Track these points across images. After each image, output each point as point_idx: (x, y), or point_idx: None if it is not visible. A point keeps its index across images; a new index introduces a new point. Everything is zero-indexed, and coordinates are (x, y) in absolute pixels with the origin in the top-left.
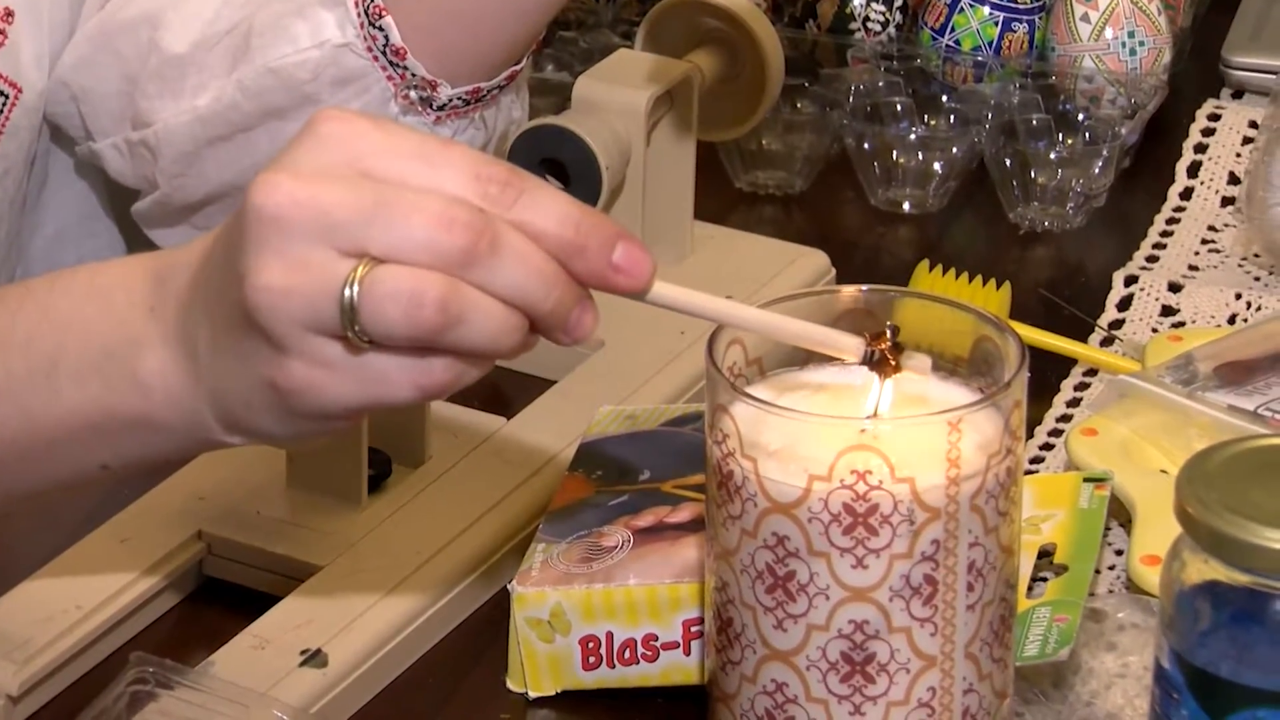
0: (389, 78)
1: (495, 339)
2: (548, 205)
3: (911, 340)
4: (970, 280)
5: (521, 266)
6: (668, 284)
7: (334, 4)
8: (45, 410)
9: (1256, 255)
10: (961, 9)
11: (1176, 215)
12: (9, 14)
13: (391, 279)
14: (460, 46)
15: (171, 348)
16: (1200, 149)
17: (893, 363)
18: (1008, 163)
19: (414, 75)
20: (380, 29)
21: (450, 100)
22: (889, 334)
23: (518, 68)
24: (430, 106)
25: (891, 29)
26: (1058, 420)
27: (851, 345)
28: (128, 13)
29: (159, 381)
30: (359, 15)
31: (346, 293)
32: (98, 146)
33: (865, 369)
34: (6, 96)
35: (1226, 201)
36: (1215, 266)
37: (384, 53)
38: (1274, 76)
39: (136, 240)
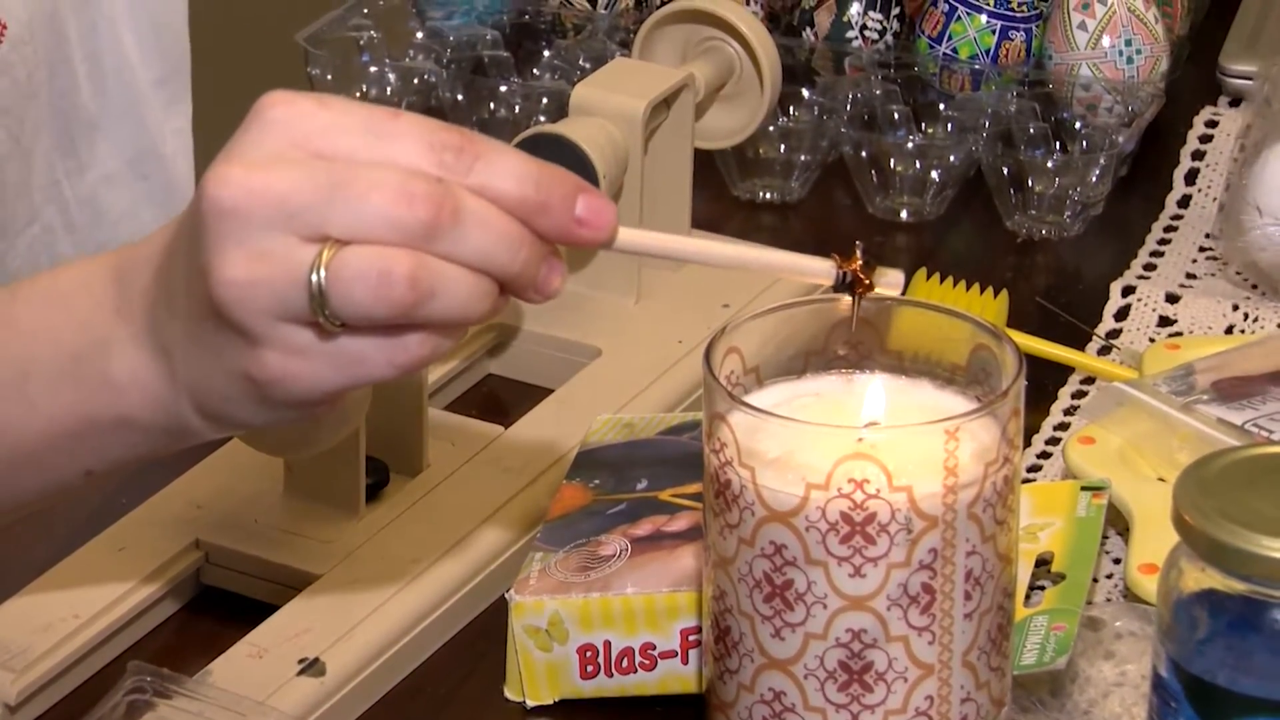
0: None
1: (467, 307)
2: (505, 166)
3: (909, 348)
4: (968, 288)
5: (486, 232)
6: (631, 229)
7: None
8: (22, 422)
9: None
10: (958, 17)
11: (1174, 223)
12: None
13: (357, 260)
14: None
15: (142, 346)
16: (1198, 156)
17: (866, 281)
18: (1005, 171)
19: None
20: None
21: None
22: (859, 253)
23: None
24: None
25: (889, 37)
26: (1055, 428)
27: (822, 268)
28: None
29: (132, 381)
30: None
31: (313, 278)
32: None
33: (862, 373)
34: None
35: (1224, 209)
36: (1213, 274)
37: None
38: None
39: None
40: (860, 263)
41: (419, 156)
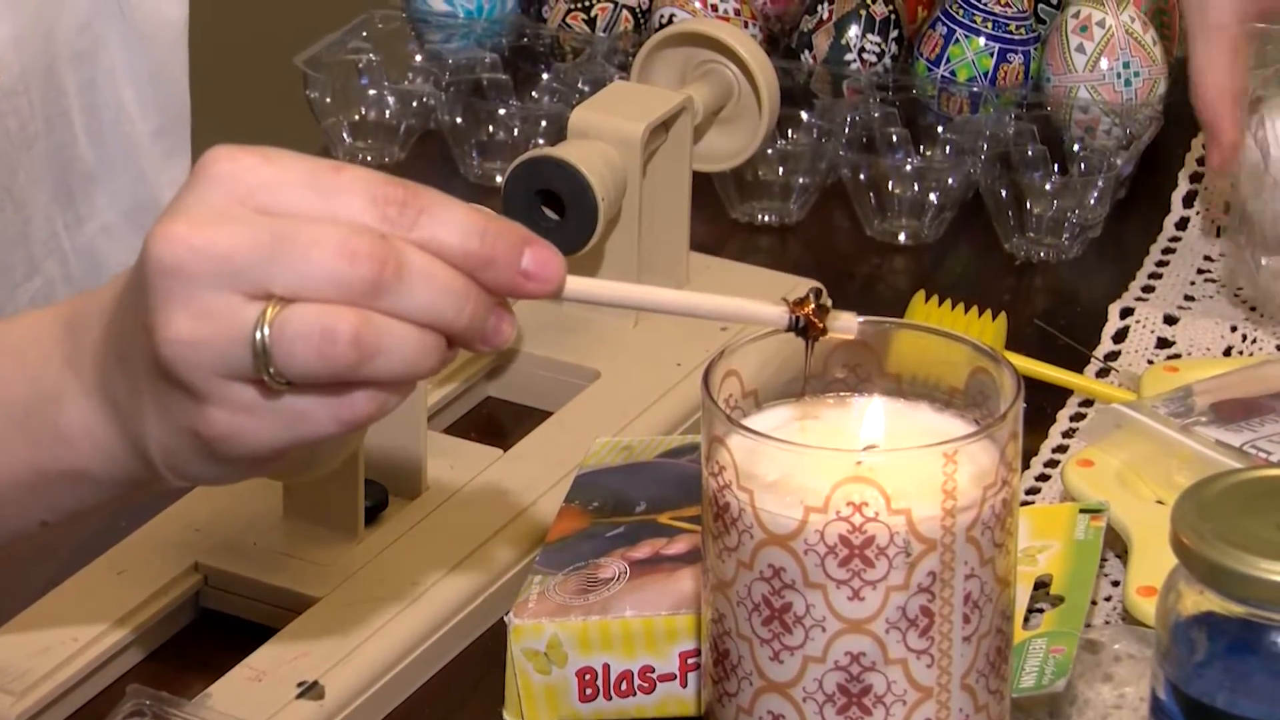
0: None
1: (413, 364)
2: (450, 220)
3: (907, 371)
4: (966, 311)
5: (430, 287)
6: (579, 278)
7: None
8: None
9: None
10: (957, 40)
11: (1172, 245)
12: None
13: (300, 319)
14: None
15: (92, 399)
16: (1196, 179)
17: (820, 325)
18: (1003, 193)
19: None
20: None
21: None
22: (811, 297)
23: None
24: None
25: (887, 60)
26: (1053, 451)
27: (775, 315)
28: None
29: (83, 433)
30: None
31: (257, 336)
32: None
33: (860, 396)
34: None
35: (1222, 232)
36: (1210, 297)
37: None
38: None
39: None
40: (813, 306)
41: (362, 211)
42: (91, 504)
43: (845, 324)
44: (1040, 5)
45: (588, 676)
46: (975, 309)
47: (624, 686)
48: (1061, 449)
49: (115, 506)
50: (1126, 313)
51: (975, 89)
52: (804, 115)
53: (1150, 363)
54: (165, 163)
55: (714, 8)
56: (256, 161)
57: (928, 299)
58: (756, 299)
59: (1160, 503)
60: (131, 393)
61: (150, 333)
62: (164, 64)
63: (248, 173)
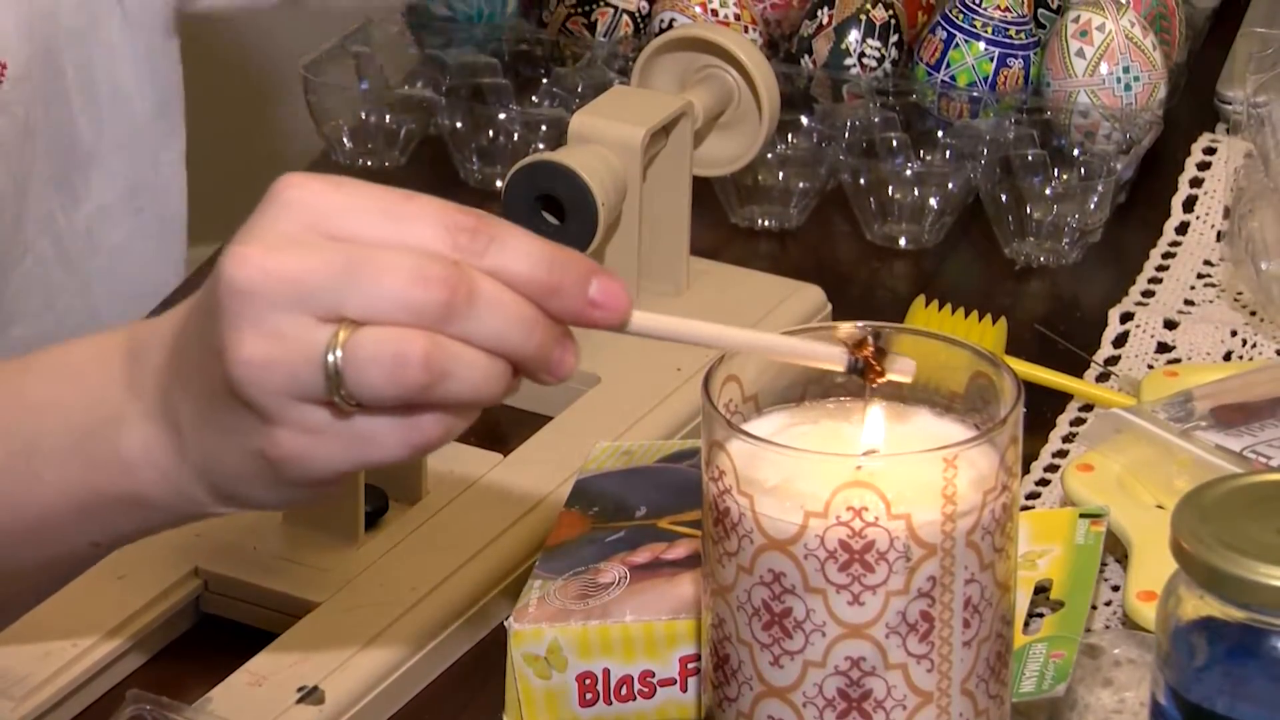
0: None
1: (481, 389)
2: (519, 248)
3: (892, 350)
4: (966, 316)
5: (500, 314)
6: (646, 313)
7: None
8: (28, 494)
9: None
10: (957, 44)
11: (1172, 250)
12: None
13: (373, 341)
14: None
15: (154, 423)
16: (1196, 183)
17: (878, 368)
18: (1003, 198)
19: None
20: None
21: None
22: (871, 341)
23: None
24: None
25: (887, 64)
26: (1054, 455)
27: (835, 354)
28: None
29: (143, 458)
30: None
31: (329, 358)
32: None
33: (862, 401)
34: None
35: (1222, 236)
36: (1210, 301)
37: None
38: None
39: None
40: (872, 349)
41: (434, 239)
42: (143, 529)
43: (903, 366)
44: (1040, 10)
45: (588, 681)
46: (975, 314)
47: (624, 691)
48: (1061, 454)
49: (163, 531)
50: (1126, 317)
51: (975, 94)
52: (804, 120)
53: (1150, 367)
54: (164, 142)
55: (714, 13)
56: (327, 188)
57: (928, 304)
58: (818, 339)
59: (1160, 507)
60: (195, 417)
61: (221, 354)
62: (158, 43)
63: (319, 199)
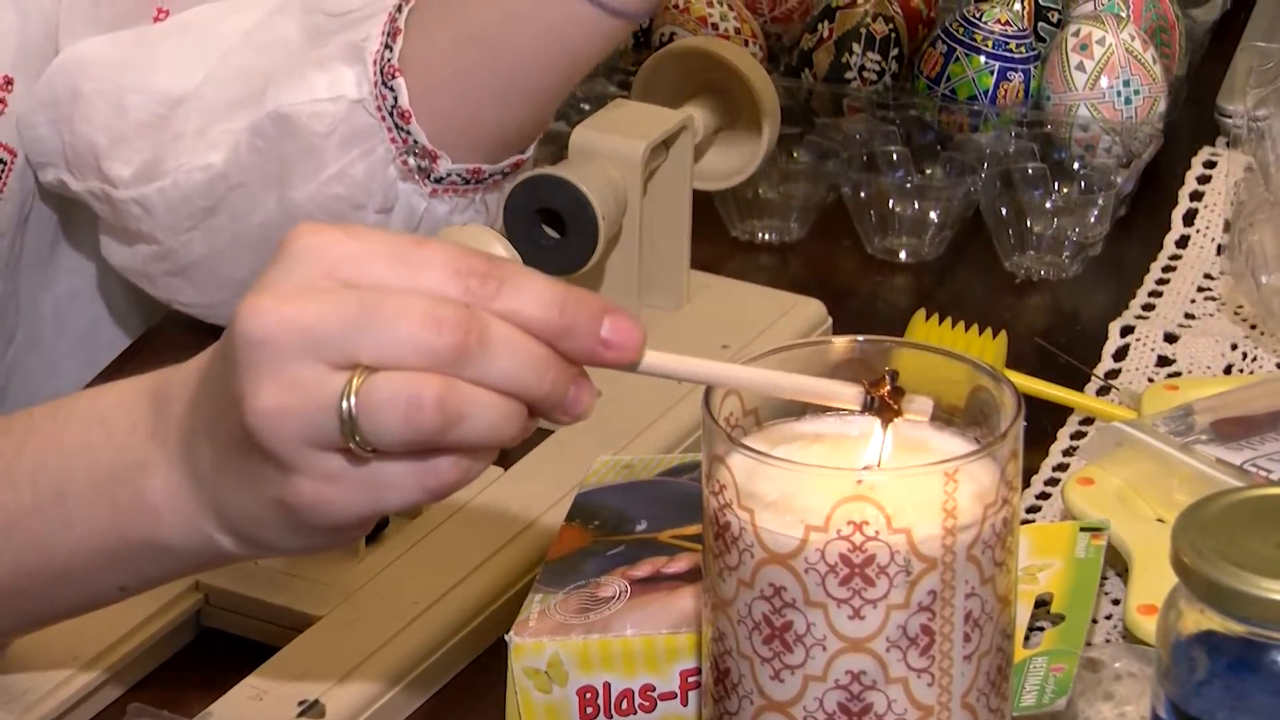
0: (392, 140)
1: (496, 430)
2: (530, 290)
3: (908, 389)
4: (966, 329)
5: (513, 356)
6: (659, 352)
7: (354, 61)
8: (57, 539)
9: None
10: (957, 58)
11: (1172, 263)
12: (9, 82)
13: (387, 386)
14: (462, 120)
15: (176, 470)
16: (1196, 197)
17: (895, 407)
18: (1003, 211)
19: (415, 142)
20: (391, 89)
21: (449, 175)
22: (888, 379)
23: (522, 156)
24: (428, 177)
25: (887, 78)
26: (1054, 469)
27: (851, 394)
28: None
29: (166, 504)
30: (375, 74)
31: (344, 405)
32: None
33: (862, 417)
34: (5, 163)
35: (1222, 249)
36: (1211, 315)
37: (391, 114)
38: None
39: (151, 300)
40: (889, 388)
41: (445, 283)
42: (169, 573)
43: (920, 405)
44: (1040, 23)
45: (588, 695)
46: (976, 327)
47: (625, 705)
48: (1062, 467)
49: (189, 575)
50: (1127, 331)
51: (975, 107)
52: (804, 133)
53: (1151, 381)
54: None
55: (714, 26)
56: (340, 236)
57: (928, 317)
58: (834, 379)
59: (1161, 521)
60: (216, 465)
61: (238, 403)
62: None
63: (331, 247)
